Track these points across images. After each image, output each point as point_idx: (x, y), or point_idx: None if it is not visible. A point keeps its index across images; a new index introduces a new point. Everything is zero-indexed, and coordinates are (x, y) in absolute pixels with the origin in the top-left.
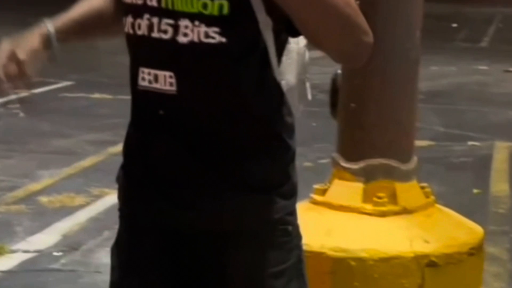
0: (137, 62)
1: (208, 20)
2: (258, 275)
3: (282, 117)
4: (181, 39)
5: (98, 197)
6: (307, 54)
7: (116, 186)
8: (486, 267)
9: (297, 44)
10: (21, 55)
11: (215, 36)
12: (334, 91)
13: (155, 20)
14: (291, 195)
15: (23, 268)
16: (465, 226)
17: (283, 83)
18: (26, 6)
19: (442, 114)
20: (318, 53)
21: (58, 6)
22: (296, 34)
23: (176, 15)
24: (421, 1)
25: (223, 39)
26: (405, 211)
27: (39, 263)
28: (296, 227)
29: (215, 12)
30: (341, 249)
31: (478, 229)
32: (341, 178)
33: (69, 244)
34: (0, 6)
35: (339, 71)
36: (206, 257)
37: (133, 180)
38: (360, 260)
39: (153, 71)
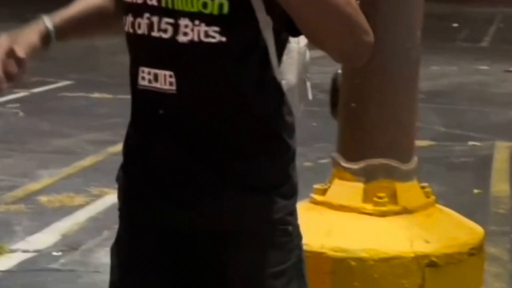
0: (137, 61)
1: (208, 19)
2: (258, 275)
3: (282, 117)
4: (181, 38)
5: (98, 196)
6: (308, 54)
7: (116, 186)
8: (486, 267)
9: (297, 43)
10: (20, 52)
11: (215, 36)
12: (335, 91)
13: (155, 19)
14: (291, 195)
15: (23, 268)
16: (466, 226)
17: (284, 83)
18: (24, 2)
19: (442, 114)
20: (318, 53)
21: (56, 3)
22: (296, 33)
23: (176, 14)
24: (421, 0)
25: (223, 39)
26: (406, 211)
27: (39, 262)
28: (296, 227)
29: (215, 11)
30: (341, 249)
31: (478, 229)
32: (341, 178)
33: (69, 244)
34: None
35: (340, 71)
36: (206, 257)
37: (133, 180)
38: (360, 260)
39: (153, 71)
